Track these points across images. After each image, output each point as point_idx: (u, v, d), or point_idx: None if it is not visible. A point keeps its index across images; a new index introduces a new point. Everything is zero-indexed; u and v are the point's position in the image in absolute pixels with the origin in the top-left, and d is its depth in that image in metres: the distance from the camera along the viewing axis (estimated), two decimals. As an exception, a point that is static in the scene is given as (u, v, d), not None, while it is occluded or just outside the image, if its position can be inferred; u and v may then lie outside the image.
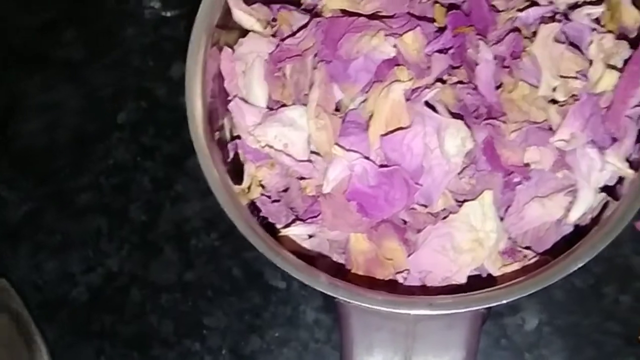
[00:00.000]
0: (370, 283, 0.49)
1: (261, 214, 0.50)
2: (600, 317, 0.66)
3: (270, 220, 0.50)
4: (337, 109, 0.49)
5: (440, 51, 0.47)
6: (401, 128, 0.46)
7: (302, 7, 0.52)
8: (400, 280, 0.48)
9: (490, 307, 0.47)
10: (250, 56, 0.49)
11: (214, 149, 0.48)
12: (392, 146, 0.46)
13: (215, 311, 0.69)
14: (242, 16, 0.49)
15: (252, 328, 0.69)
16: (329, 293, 0.44)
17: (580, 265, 0.43)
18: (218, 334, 0.69)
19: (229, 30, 0.50)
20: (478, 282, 0.47)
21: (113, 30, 0.75)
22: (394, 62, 0.47)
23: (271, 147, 0.48)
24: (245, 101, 0.49)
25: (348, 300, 0.44)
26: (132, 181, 0.72)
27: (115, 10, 0.76)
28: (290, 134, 0.48)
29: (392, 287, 0.49)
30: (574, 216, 0.47)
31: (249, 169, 0.50)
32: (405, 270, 0.48)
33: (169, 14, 0.74)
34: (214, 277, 0.70)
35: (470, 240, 0.47)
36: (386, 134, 0.46)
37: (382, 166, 0.47)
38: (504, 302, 0.44)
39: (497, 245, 0.47)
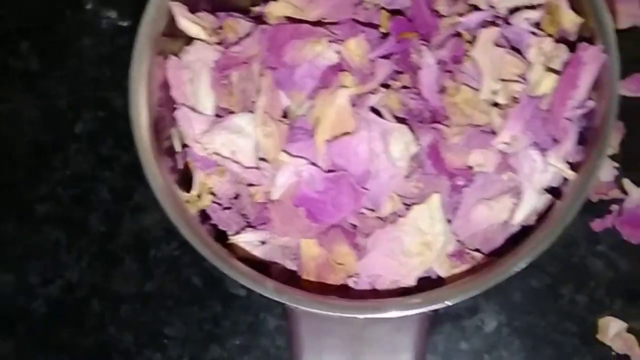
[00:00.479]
0: (322, 288, 0.49)
1: (212, 222, 0.50)
2: (557, 317, 0.66)
3: (221, 227, 0.50)
4: (285, 116, 0.49)
5: (384, 57, 0.48)
6: (347, 133, 0.47)
7: (249, 15, 0.52)
8: (351, 285, 0.48)
9: (436, 310, 0.47)
10: (197, 64, 0.49)
11: (161, 157, 0.48)
12: (338, 151, 0.46)
13: (176, 321, 0.69)
14: (187, 24, 0.49)
15: (213, 337, 0.69)
16: (275, 298, 0.45)
17: (523, 265, 0.43)
18: (178, 343, 0.69)
19: (175, 38, 0.50)
20: (427, 284, 0.48)
21: (70, 40, 0.75)
22: (338, 68, 0.47)
23: (219, 154, 0.48)
24: (193, 109, 0.49)
25: (294, 305, 0.45)
26: (91, 192, 0.72)
27: (71, 20, 0.75)
28: (238, 141, 0.48)
29: (343, 291, 0.49)
30: (519, 217, 0.47)
31: (198, 177, 0.50)
32: (356, 274, 0.49)
33: (125, 24, 0.74)
34: (174, 286, 0.70)
35: (418, 244, 0.47)
36: (332, 140, 0.46)
37: (329, 171, 0.47)
38: (449, 304, 0.44)
39: (445, 248, 0.47)
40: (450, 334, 0.66)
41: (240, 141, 0.48)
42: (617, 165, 0.66)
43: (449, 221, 0.48)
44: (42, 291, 0.70)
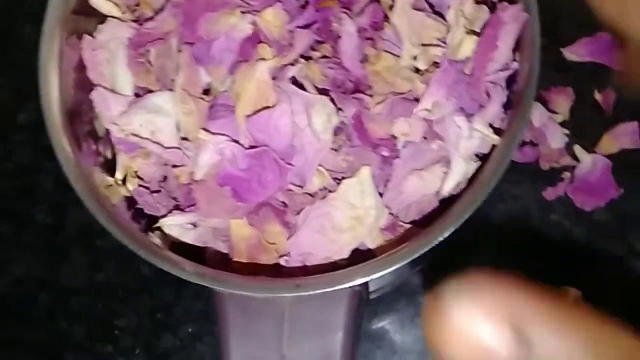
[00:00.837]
0: (255, 269, 0.47)
1: (138, 206, 0.49)
2: None
3: (147, 211, 0.48)
4: (206, 92, 0.47)
5: (304, 27, 0.46)
6: (268, 107, 0.45)
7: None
8: (283, 264, 0.47)
9: (367, 287, 0.46)
10: (112, 43, 0.47)
11: (81, 141, 0.46)
12: (259, 127, 0.45)
13: (127, 311, 0.68)
14: (99, 1, 0.47)
15: (165, 326, 0.68)
16: (195, 282, 0.43)
17: (447, 234, 0.41)
18: (130, 334, 0.68)
19: (89, 17, 0.48)
20: (358, 257, 0.46)
21: (11, 28, 0.73)
22: (256, 40, 0.46)
23: (138, 135, 0.46)
24: (111, 90, 0.47)
25: (213, 287, 0.43)
26: (35, 184, 0.70)
27: (12, 9, 0.74)
28: (156, 120, 0.46)
29: (276, 271, 0.47)
30: (448, 186, 0.46)
31: (122, 160, 0.49)
32: (287, 253, 0.47)
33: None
34: (124, 276, 0.68)
35: (349, 218, 0.46)
36: (252, 115, 0.45)
37: (251, 147, 0.45)
38: (372, 277, 0.42)
39: (377, 221, 0.46)
40: (404, 310, 0.65)
41: (159, 120, 0.46)
42: (567, 132, 0.65)
43: (381, 194, 0.47)
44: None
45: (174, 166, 0.48)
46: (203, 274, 0.43)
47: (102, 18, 0.48)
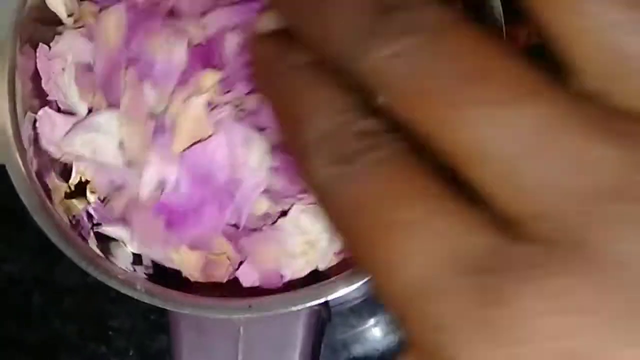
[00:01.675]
0: (214, 287, 0.46)
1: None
2: None
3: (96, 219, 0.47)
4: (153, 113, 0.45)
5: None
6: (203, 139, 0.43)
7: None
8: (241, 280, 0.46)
9: (327, 305, 0.44)
10: (68, 54, 0.45)
11: (36, 150, 0.46)
12: (195, 161, 0.43)
13: (121, 312, 0.67)
14: (57, 5, 0.46)
15: (159, 326, 0.67)
16: (147, 301, 0.42)
17: None
18: (124, 334, 0.67)
19: (47, 25, 0.46)
20: (312, 275, 0.45)
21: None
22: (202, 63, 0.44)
23: (81, 156, 0.45)
24: (59, 108, 0.46)
25: (165, 307, 0.42)
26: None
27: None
28: (98, 139, 0.44)
29: (235, 287, 0.46)
30: None
31: (75, 167, 0.48)
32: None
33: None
34: (118, 277, 0.68)
35: (302, 244, 0.44)
36: (187, 149, 0.43)
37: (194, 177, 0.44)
38: (328, 298, 0.41)
39: (331, 245, 0.44)
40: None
41: (100, 139, 0.44)
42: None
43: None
44: (-21, 284, 0.68)
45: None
46: (153, 293, 0.42)
47: (58, 27, 0.47)
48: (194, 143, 0.43)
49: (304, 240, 0.44)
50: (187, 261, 0.46)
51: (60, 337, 0.68)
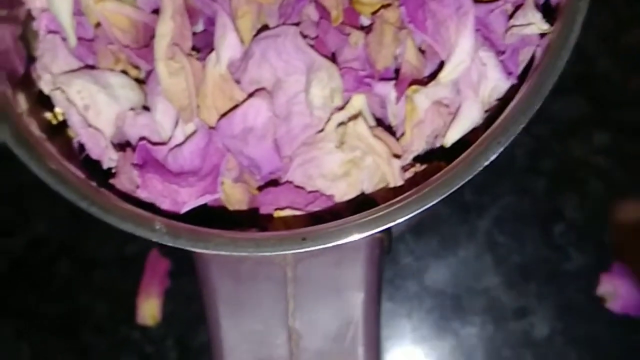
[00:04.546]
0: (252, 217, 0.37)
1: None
2: (626, 328, 0.55)
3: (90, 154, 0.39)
4: (197, 49, 0.38)
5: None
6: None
7: None
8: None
9: (390, 233, 0.36)
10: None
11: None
12: (229, 133, 0.36)
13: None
14: None
15: (203, 316, 0.57)
16: (168, 244, 0.33)
17: (492, 156, 0.31)
18: (164, 321, 0.58)
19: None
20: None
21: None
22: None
23: (70, 100, 0.37)
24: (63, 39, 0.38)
25: (194, 249, 0.33)
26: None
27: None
28: (98, 97, 0.37)
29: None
30: (451, 136, 0.35)
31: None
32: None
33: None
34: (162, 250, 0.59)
35: (344, 162, 0.36)
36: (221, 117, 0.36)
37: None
38: (398, 221, 0.31)
39: (389, 161, 0.35)
40: (492, 338, 0.56)
41: (102, 99, 0.37)
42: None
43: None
44: (2, 244, 0.60)
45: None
46: (178, 232, 0.33)
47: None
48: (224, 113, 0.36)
49: (347, 158, 0.36)
50: (231, 195, 0.37)
51: (85, 315, 0.59)
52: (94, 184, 0.36)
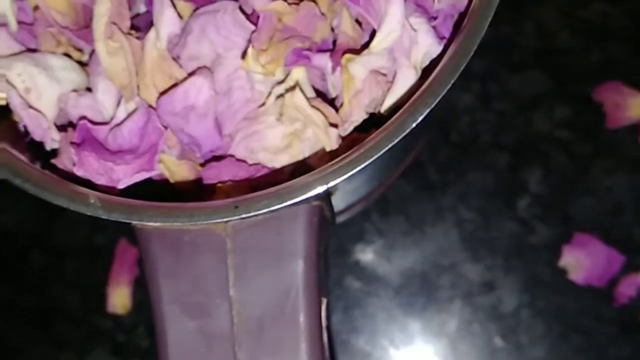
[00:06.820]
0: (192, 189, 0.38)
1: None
2: (592, 299, 0.55)
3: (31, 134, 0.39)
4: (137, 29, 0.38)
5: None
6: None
7: None
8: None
9: (329, 201, 0.35)
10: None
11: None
12: (169, 109, 0.36)
13: (132, 282, 0.60)
14: None
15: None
16: (102, 217, 0.33)
17: (419, 119, 0.31)
18: (133, 309, 0.59)
19: None
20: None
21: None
22: None
23: (10, 83, 0.37)
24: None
25: (129, 222, 0.33)
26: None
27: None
28: (39, 79, 0.37)
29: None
30: (388, 103, 0.35)
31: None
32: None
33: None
34: (130, 239, 0.59)
35: (285, 135, 0.36)
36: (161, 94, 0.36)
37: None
38: (330, 184, 0.32)
39: (327, 130, 0.35)
40: (460, 313, 0.56)
41: (43, 81, 0.37)
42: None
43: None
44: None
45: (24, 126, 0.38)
46: (112, 205, 0.33)
47: None
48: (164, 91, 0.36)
49: (288, 130, 0.36)
50: (177, 172, 0.38)
51: (59, 306, 0.60)
52: (37, 165, 0.36)
